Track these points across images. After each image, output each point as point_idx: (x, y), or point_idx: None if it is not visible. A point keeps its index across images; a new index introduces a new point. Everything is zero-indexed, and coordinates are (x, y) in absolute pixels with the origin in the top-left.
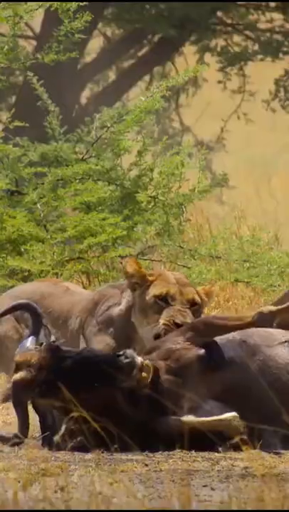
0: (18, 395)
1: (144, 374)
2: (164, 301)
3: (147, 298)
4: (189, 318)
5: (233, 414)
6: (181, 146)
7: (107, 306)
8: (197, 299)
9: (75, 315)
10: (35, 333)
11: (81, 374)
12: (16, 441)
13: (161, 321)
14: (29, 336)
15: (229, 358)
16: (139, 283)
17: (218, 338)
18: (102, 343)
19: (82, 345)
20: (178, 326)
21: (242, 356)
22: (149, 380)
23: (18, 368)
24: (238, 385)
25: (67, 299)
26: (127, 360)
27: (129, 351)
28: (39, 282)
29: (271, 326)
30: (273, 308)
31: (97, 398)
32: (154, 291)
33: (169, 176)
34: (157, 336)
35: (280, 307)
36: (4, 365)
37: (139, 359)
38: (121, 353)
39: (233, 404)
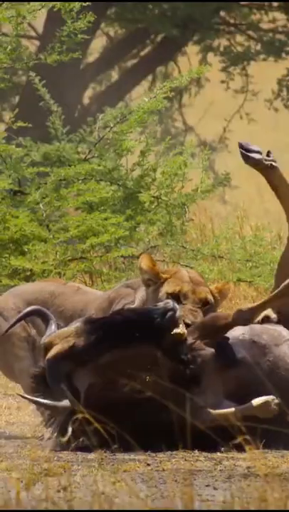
0: (58, 370)
1: (180, 330)
2: (176, 299)
3: (160, 295)
4: (200, 318)
5: (271, 396)
6: (184, 146)
7: (122, 304)
8: (210, 298)
9: (89, 314)
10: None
11: (120, 333)
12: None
13: None
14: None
15: (241, 358)
16: (153, 280)
17: (229, 338)
18: None
19: None
20: (187, 325)
21: (254, 356)
22: (184, 336)
23: (48, 349)
24: (250, 384)
25: (80, 298)
26: (169, 314)
27: (171, 302)
28: (44, 282)
29: (250, 323)
30: (252, 305)
31: (138, 357)
32: (166, 288)
33: (172, 176)
34: None
35: (257, 303)
36: (9, 364)
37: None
38: (162, 305)
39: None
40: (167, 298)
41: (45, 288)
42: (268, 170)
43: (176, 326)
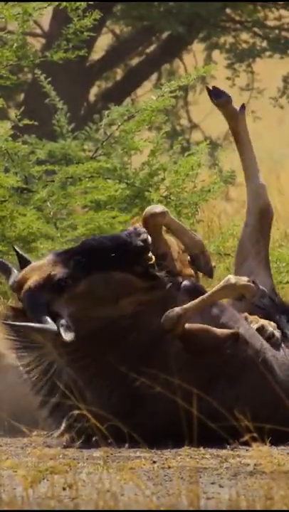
0: (37, 301)
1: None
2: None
3: None
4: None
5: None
6: (197, 147)
7: None
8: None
9: None
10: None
11: (96, 259)
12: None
13: None
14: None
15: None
16: None
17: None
18: None
19: None
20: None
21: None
22: (153, 260)
23: (21, 284)
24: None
25: None
26: (140, 242)
27: (140, 229)
28: None
29: (179, 327)
30: (179, 309)
31: (114, 282)
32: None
33: (183, 176)
34: None
35: (184, 307)
36: None
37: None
38: (131, 231)
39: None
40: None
41: None
42: (235, 113)
43: (148, 248)
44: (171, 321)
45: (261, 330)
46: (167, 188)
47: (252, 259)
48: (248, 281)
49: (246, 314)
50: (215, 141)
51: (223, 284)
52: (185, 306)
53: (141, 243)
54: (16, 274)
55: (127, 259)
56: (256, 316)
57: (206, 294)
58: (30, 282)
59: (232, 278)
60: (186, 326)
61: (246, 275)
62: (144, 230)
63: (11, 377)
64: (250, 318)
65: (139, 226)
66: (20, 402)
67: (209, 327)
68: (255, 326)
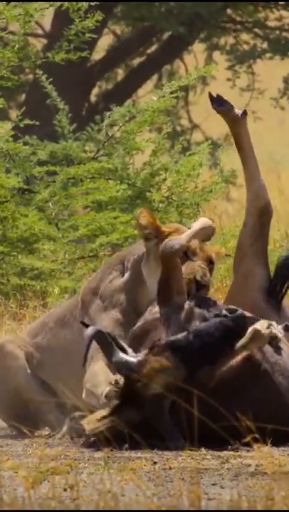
0: (162, 408)
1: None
2: (184, 254)
3: None
4: (208, 277)
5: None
6: (199, 147)
7: (110, 278)
8: (214, 258)
9: (79, 300)
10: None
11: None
12: None
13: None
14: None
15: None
16: (154, 234)
17: None
18: (107, 320)
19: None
20: (197, 283)
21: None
22: None
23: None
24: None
25: (73, 297)
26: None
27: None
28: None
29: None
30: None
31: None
32: None
33: (184, 177)
34: None
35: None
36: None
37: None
38: (230, 313)
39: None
40: None
41: (44, 314)
42: (237, 118)
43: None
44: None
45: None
46: (169, 189)
47: (249, 259)
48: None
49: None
50: (215, 141)
51: (252, 337)
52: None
53: (243, 320)
54: (118, 357)
55: (234, 341)
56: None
57: (241, 346)
58: (155, 386)
59: (257, 327)
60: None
61: (244, 274)
62: (234, 308)
63: (20, 378)
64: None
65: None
66: (27, 404)
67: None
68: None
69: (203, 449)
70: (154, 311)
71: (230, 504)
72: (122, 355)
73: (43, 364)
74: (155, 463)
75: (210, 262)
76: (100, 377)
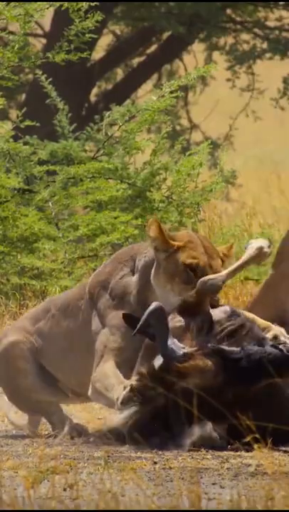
0: None
1: None
2: (192, 270)
3: (176, 264)
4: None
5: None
6: (199, 147)
7: (120, 276)
8: (224, 258)
9: (86, 292)
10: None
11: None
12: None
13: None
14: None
15: None
16: (163, 247)
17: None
18: (117, 318)
19: (95, 321)
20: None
21: None
22: None
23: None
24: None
25: (78, 285)
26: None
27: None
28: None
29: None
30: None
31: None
32: (183, 258)
33: (184, 176)
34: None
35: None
36: (11, 380)
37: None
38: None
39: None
40: (185, 269)
41: (46, 300)
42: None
43: None
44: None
45: (274, 340)
46: (169, 188)
47: None
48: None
49: (259, 323)
50: (215, 141)
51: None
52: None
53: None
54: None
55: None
56: (270, 324)
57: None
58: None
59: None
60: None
61: (283, 274)
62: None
63: (29, 381)
64: (263, 325)
65: (276, 332)
66: (35, 404)
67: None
68: (269, 335)
69: (203, 448)
70: (176, 319)
71: (230, 504)
72: (172, 340)
73: (44, 351)
74: (155, 463)
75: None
76: (111, 380)
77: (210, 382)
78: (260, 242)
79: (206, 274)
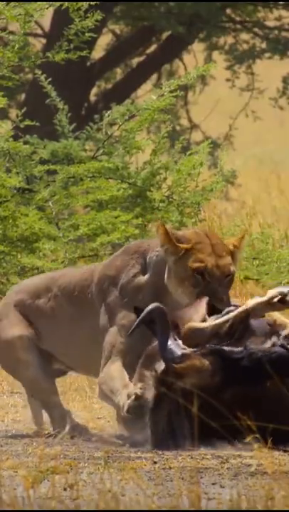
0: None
1: None
2: (200, 274)
3: (185, 268)
4: (227, 298)
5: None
6: (199, 146)
7: (133, 273)
8: (232, 269)
9: (94, 282)
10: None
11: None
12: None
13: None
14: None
15: None
16: (171, 251)
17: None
18: (126, 318)
19: (103, 316)
20: (214, 308)
21: None
22: None
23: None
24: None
25: (83, 270)
26: None
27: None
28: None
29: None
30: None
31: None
32: (190, 262)
33: (185, 176)
34: None
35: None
36: (15, 371)
37: None
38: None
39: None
40: (192, 273)
41: (46, 276)
42: None
43: None
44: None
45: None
46: (169, 188)
47: None
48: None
49: (275, 318)
50: (215, 140)
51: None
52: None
53: None
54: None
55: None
56: (285, 320)
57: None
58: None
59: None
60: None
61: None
62: None
63: (31, 372)
64: (279, 320)
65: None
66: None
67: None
68: (284, 333)
69: (203, 448)
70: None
71: (230, 504)
72: (172, 341)
73: (43, 331)
74: (155, 462)
75: (227, 275)
76: (117, 383)
77: (207, 381)
78: (280, 288)
79: (214, 276)
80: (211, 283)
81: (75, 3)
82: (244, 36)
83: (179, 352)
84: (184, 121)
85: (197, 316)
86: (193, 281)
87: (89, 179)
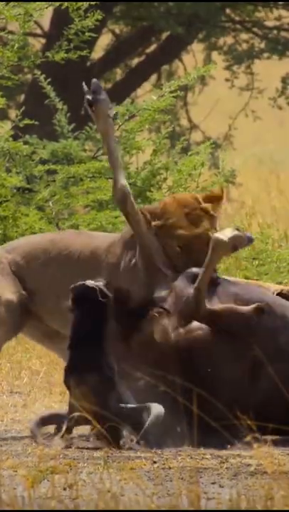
0: None
1: None
2: (179, 248)
3: (161, 244)
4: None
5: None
6: (200, 147)
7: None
8: (211, 210)
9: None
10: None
11: None
12: None
13: None
14: None
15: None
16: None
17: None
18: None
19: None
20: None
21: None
22: None
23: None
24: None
25: (86, 239)
26: None
27: None
28: (41, 234)
29: (201, 307)
30: (191, 290)
31: None
32: (167, 238)
33: (185, 176)
34: None
35: (195, 286)
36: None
37: None
38: None
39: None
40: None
41: (43, 237)
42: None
43: None
44: (191, 305)
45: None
46: (169, 188)
47: None
48: (234, 230)
49: (281, 287)
50: (215, 140)
51: (213, 245)
52: (194, 285)
53: None
54: None
55: None
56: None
57: (205, 263)
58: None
59: (218, 235)
60: (209, 307)
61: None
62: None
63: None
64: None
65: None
66: None
67: (232, 305)
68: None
69: (202, 448)
70: None
71: (229, 503)
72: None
73: (36, 294)
74: (154, 462)
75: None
76: None
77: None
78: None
79: (193, 249)
80: (192, 255)
81: (74, 3)
82: (243, 36)
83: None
84: (184, 122)
85: None
86: (174, 256)
87: (89, 179)
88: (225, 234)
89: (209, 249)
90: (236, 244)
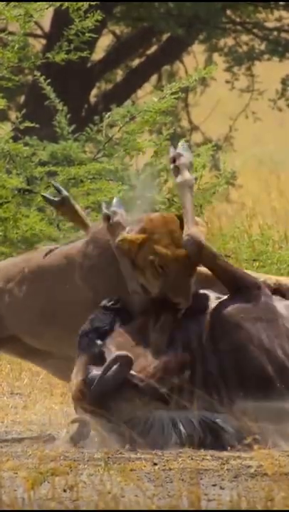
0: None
1: None
2: (160, 267)
3: (142, 260)
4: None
5: None
6: (200, 148)
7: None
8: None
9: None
10: None
11: None
12: None
13: None
14: None
15: None
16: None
17: None
18: None
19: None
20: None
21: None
22: None
23: None
24: None
25: (57, 252)
26: None
27: None
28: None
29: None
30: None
31: None
32: (147, 254)
33: None
34: None
35: (186, 229)
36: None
37: None
38: None
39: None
40: (151, 266)
41: (15, 259)
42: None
43: None
44: (193, 247)
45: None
46: (170, 190)
47: None
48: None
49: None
50: (216, 142)
51: (181, 187)
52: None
53: None
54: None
55: None
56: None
57: (186, 208)
58: None
59: (178, 178)
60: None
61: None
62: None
63: None
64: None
65: None
66: None
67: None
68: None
69: (202, 449)
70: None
71: (230, 505)
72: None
73: (15, 316)
74: (155, 464)
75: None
76: None
77: None
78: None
79: (173, 269)
80: (171, 275)
81: (75, 4)
82: (244, 38)
83: None
84: (184, 123)
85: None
86: (154, 273)
87: (89, 181)
88: (181, 175)
89: (180, 193)
90: (190, 168)
